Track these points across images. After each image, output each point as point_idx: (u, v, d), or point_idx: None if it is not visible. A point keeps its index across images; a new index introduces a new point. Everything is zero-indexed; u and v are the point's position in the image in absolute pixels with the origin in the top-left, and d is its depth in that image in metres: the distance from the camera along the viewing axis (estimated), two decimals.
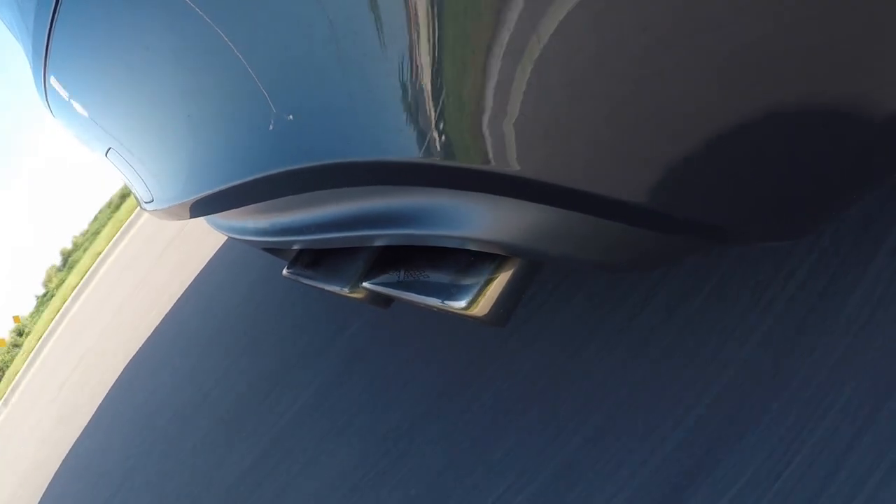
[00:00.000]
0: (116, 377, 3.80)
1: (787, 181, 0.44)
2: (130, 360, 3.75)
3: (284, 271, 1.31)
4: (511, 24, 0.41)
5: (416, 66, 0.49)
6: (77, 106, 1.36)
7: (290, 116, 0.66)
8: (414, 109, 0.51)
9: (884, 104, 0.39)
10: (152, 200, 1.39)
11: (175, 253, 5.25)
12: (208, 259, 3.93)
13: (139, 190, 1.45)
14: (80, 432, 3.68)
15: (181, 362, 2.84)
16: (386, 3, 0.48)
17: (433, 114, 0.50)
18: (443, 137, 0.51)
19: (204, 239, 4.29)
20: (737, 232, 0.49)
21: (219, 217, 1.45)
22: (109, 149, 1.39)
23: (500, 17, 0.41)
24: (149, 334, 3.83)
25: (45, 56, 1.21)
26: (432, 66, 0.47)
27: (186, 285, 3.93)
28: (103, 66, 1.06)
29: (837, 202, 0.46)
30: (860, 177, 0.44)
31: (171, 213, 1.38)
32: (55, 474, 3.37)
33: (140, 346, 3.82)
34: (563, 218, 0.52)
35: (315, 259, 1.22)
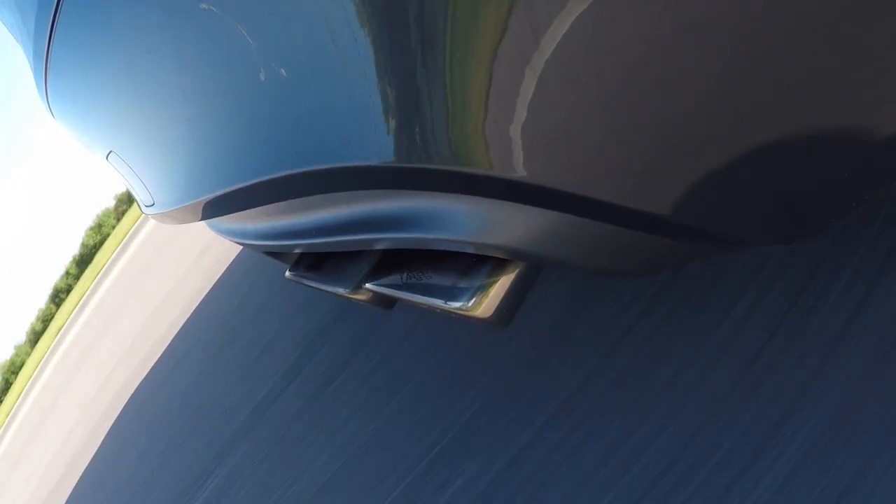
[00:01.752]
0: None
1: (790, 187, 0.44)
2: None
3: (287, 273, 1.31)
4: (516, 27, 0.41)
5: (420, 70, 0.49)
6: (78, 108, 1.36)
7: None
8: (417, 114, 0.51)
9: (885, 116, 0.39)
10: (153, 204, 1.39)
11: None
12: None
13: (140, 193, 1.45)
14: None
15: None
16: (388, 6, 0.48)
17: (436, 118, 0.50)
18: (446, 142, 0.51)
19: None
20: (737, 237, 0.49)
21: (220, 221, 1.45)
22: (110, 152, 1.39)
23: (504, 20, 0.41)
24: None
25: (45, 58, 1.21)
26: (436, 70, 0.48)
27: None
28: (104, 69, 1.06)
29: (838, 208, 0.47)
30: (861, 184, 0.44)
31: (172, 216, 1.38)
32: None
33: None
34: (565, 222, 0.52)
35: (317, 261, 1.22)
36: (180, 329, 4.04)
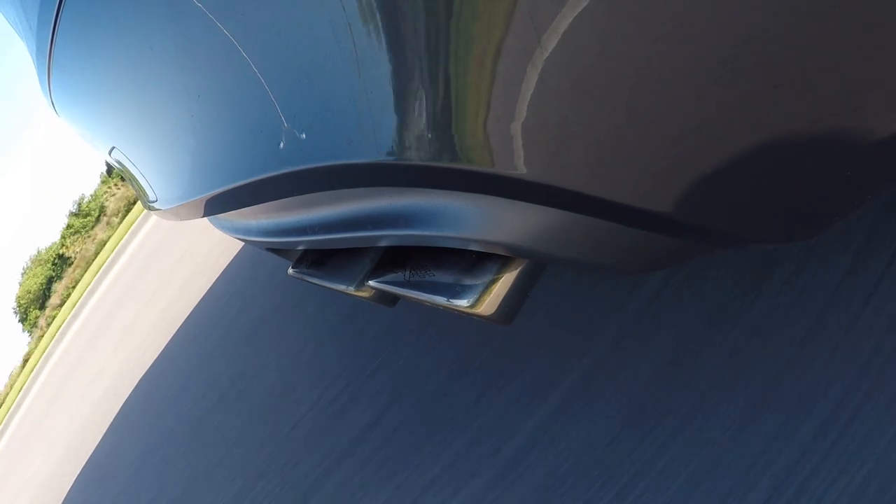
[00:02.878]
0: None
1: (792, 186, 0.44)
2: None
3: (290, 270, 1.32)
4: (517, 25, 0.41)
5: (422, 69, 0.49)
6: (81, 104, 1.37)
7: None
8: (419, 112, 0.52)
9: (887, 114, 0.39)
10: (156, 200, 1.39)
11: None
12: None
13: (143, 189, 1.46)
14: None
15: None
16: (390, 6, 0.49)
17: (439, 116, 0.50)
18: (449, 139, 0.51)
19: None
20: (740, 235, 0.49)
21: (223, 217, 1.45)
22: (113, 148, 1.40)
23: (507, 17, 0.41)
24: None
25: (48, 54, 1.22)
26: (437, 68, 0.48)
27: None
28: (107, 65, 1.06)
29: (840, 207, 0.47)
30: (863, 183, 0.44)
31: (175, 213, 1.38)
32: None
33: None
34: (567, 220, 0.52)
35: (320, 258, 1.22)
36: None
